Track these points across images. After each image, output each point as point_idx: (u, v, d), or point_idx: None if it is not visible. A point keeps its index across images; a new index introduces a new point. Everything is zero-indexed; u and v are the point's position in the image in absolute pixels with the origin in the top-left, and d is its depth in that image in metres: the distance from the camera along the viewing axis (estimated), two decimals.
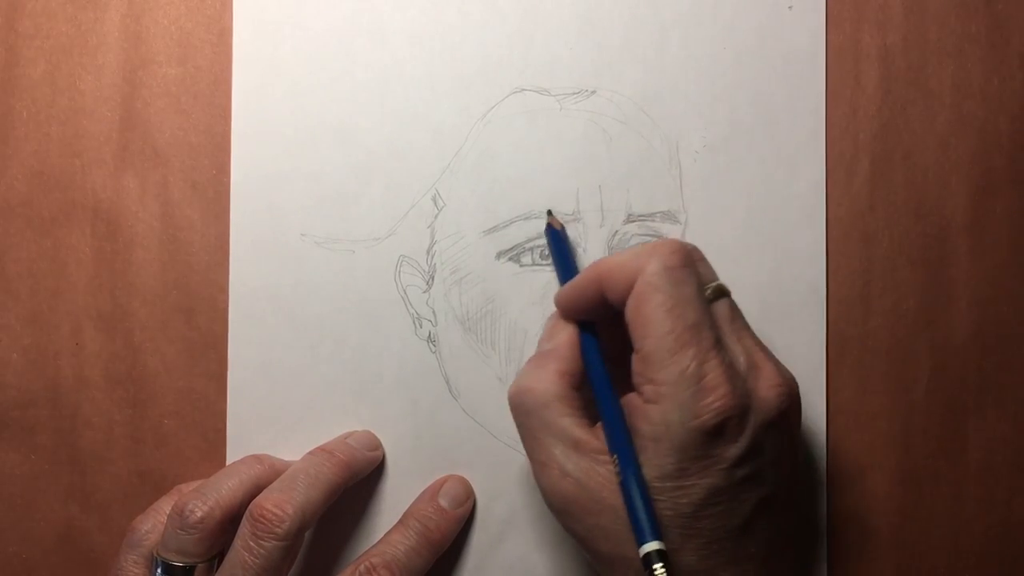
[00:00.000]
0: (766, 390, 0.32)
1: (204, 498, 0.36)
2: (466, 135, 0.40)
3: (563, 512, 0.33)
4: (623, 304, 0.33)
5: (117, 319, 0.41)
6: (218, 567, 0.35)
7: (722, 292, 0.34)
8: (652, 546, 0.30)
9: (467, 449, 0.40)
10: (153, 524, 0.37)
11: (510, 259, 0.40)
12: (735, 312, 0.34)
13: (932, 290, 0.40)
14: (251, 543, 0.34)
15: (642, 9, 0.40)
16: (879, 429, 0.40)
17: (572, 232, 0.40)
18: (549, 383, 0.34)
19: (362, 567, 0.36)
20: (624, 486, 0.31)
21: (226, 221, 0.40)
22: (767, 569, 0.32)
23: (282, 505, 0.35)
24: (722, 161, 0.40)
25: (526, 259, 0.40)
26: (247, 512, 0.35)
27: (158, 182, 0.41)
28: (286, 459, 0.39)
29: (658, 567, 0.30)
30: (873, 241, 0.40)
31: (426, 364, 0.40)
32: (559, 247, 0.38)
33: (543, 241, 0.40)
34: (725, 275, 0.35)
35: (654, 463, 0.31)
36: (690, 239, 0.40)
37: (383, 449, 0.40)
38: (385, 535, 0.38)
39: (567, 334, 0.35)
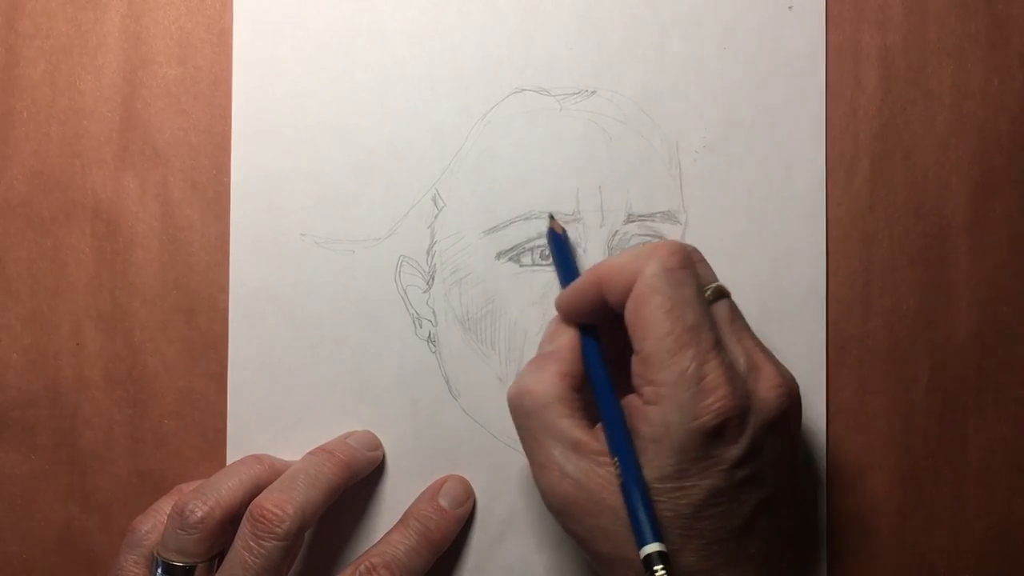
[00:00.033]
0: (766, 391, 0.32)
1: (204, 498, 0.36)
2: (466, 135, 0.40)
3: (563, 513, 0.33)
4: (623, 306, 0.33)
5: (117, 319, 0.41)
6: (218, 567, 0.35)
7: (722, 293, 0.34)
8: (653, 547, 0.30)
9: (467, 449, 0.40)
10: (153, 524, 0.37)
11: (510, 259, 0.40)
12: (735, 313, 0.34)
13: (932, 290, 0.40)
14: (251, 543, 0.34)
15: (642, 9, 0.40)
16: (879, 429, 0.40)
17: (572, 232, 0.40)
18: (549, 384, 0.34)
19: (362, 567, 0.36)
20: (625, 488, 0.31)
21: (226, 221, 0.40)
22: (767, 569, 0.32)
23: (282, 505, 0.35)
24: (722, 161, 0.40)
25: (526, 259, 0.40)
26: (247, 512, 0.35)
27: (158, 182, 0.41)
28: (286, 459, 0.39)
29: (659, 568, 0.30)
30: (873, 241, 0.40)
31: (426, 364, 0.40)
32: (560, 251, 0.38)
33: (543, 241, 0.40)
34: (725, 275, 0.35)
35: (654, 464, 0.31)
36: (690, 239, 0.40)
37: (383, 449, 0.40)
38: (385, 535, 0.38)
39: (568, 337, 0.35)
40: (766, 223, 0.40)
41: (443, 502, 0.39)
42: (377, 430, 0.40)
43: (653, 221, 0.40)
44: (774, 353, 0.34)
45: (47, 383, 0.41)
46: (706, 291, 0.33)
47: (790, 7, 0.40)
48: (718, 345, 0.32)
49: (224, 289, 0.40)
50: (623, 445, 0.32)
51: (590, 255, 0.40)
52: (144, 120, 0.41)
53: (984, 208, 0.40)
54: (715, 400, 0.31)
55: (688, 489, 0.31)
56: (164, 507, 0.37)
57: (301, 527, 0.35)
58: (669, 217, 0.40)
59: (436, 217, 0.40)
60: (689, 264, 0.33)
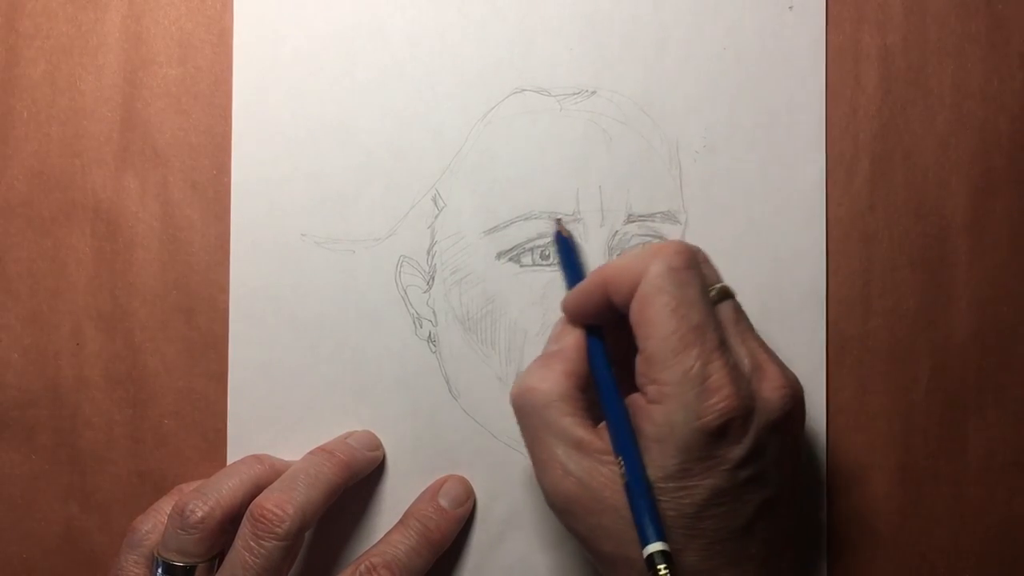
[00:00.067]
0: (770, 391, 0.32)
1: (204, 498, 0.36)
2: (466, 135, 0.40)
3: (565, 512, 0.33)
4: (628, 306, 0.33)
5: (117, 319, 0.41)
6: (218, 567, 0.35)
7: (727, 294, 0.34)
8: (656, 547, 0.30)
9: (467, 449, 0.40)
10: (153, 524, 0.37)
11: (510, 259, 0.40)
12: (740, 314, 0.34)
13: (932, 290, 0.40)
14: (251, 543, 0.34)
15: (642, 9, 0.40)
16: (879, 429, 0.40)
17: (572, 232, 0.40)
18: (553, 383, 0.34)
19: (362, 567, 0.36)
20: (629, 487, 0.31)
21: (226, 221, 0.40)
22: (767, 569, 0.32)
23: (282, 505, 0.35)
24: (722, 161, 0.40)
25: (526, 259, 0.40)
26: (247, 512, 0.35)
27: (158, 182, 0.41)
28: (286, 459, 0.39)
29: (662, 568, 0.30)
30: (873, 241, 0.40)
31: (426, 364, 0.40)
32: (566, 253, 0.38)
33: (543, 241, 0.40)
34: (725, 275, 0.35)
35: (657, 464, 0.31)
36: (690, 239, 0.40)
37: (383, 449, 0.40)
38: (385, 535, 0.38)
39: (573, 337, 0.35)
40: (766, 223, 0.40)
41: (443, 502, 0.39)
42: (377, 430, 0.40)
43: (653, 221, 0.40)
44: (774, 353, 0.34)
45: (47, 383, 0.41)
46: (711, 291, 0.33)
47: (790, 7, 0.40)
48: (722, 345, 0.32)
49: (224, 289, 0.40)
50: (627, 444, 0.32)
51: (590, 255, 0.40)
52: (144, 120, 0.41)
53: (984, 208, 0.40)
54: (719, 400, 0.31)
55: (691, 489, 0.31)
56: (164, 507, 0.37)
57: (301, 527, 0.35)
58: (669, 217, 0.40)
59: (436, 217, 0.40)
60: (694, 264, 0.33)
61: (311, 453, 0.38)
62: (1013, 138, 0.40)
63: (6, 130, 0.41)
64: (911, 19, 0.40)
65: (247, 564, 0.34)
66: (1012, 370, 0.40)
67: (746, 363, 0.32)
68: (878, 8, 0.40)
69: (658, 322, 0.32)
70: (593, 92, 0.40)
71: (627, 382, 0.34)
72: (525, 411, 0.34)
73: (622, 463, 0.32)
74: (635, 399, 0.33)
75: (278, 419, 0.40)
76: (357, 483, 0.39)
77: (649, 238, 0.40)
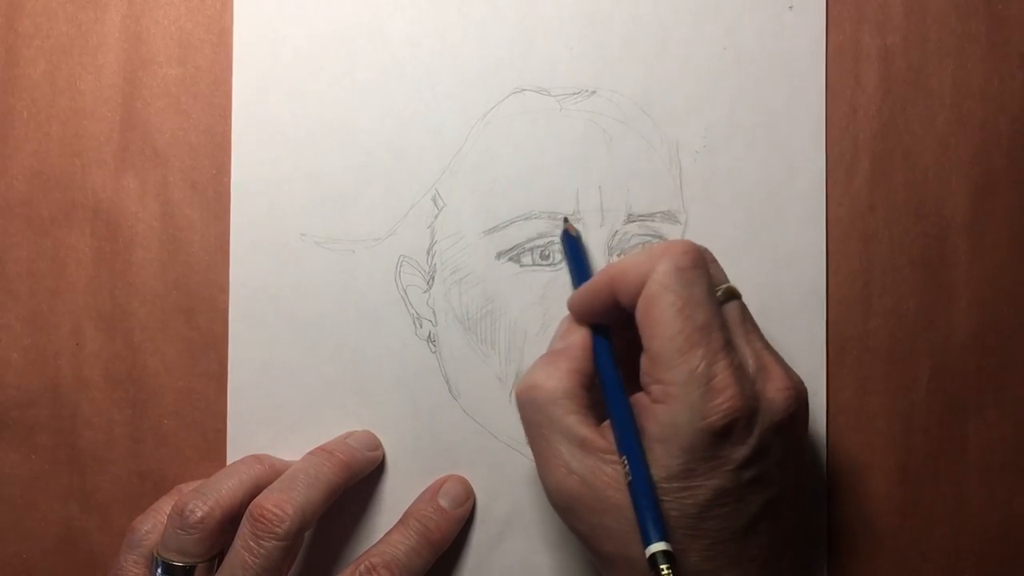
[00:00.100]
0: (774, 392, 0.32)
1: (204, 498, 0.36)
2: (466, 135, 0.40)
3: (567, 510, 0.33)
4: (634, 305, 0.33)
5: (117, 319, 0.41)
6: (218, 567, 0.35)
7: (733, 294, 0.34)
8: (659, 546, 0.30)
9: (467, 449, 0.40)
10: (153, 524, 0.37)
11: (510, 259, 0.40)
12: (745, 314, 0.34)
13: (932, 290, 0.40)
14: (251, 543, 0.34)
15: (642, 9, 0.40)
16: (879, 429, 0.40)
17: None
18: (558, 380, 0.34)
19: (362, 567, 0.36)
20: (632, 486, 0.31)
21: (226, 221, 0.40)
22: (768, 570, 0.32)
23: (282, 505, 0.35)
24: (722, 161, 0.40)
25: (526, 259, 0.40)
26: (247, 512, 0.35)
27: (158, 182, 0.41)
28: (286, 459, 0.39)
29: (664, 568, 0.30)
30: (873, 241, 0.40)
31: (426, 364, 0.40)
32: (574, 252, 0.38)
33: (543, 241, 0.40)
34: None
35: (661, 463, 0.31)
36: (690, 239, 0.40)
37: (383, 449, 0.40)
38: (385, 535, 0.38)
39: (579, 336, 0.35)
40: (766, 223, 0.40)
41: (443, 502, 0.39)
42: (377, 430, 0.40)
43: (653, 221, 0.40)
44: (779, 355, 0.34)
45: (47, 383, 0.41)
46: (717, 291, 0.33)
47: (790, 7, 0.40)
48: (728, 345, 0.32)
49: (224, 289, 0.40)
50: (631, 444, 0.32)
51: (589, 255, 0.40)
52: (144, 120, 0.41)
53: (984, 208, 0.40)
54: (724, 400, 0.31)
55: (695, 489, 0.31)
56: (164, 507, 0.37)
57: (301, 527, 0.35)
58: (669, 217, 0.40)
59: (436, 217, 0.40)
60: (701, 264, 0.33)
61: (311, 453, 0.38)
62: (1013, 138, 0.40)
63: (6, 130, 0.41)
64: (911, 19, 0.40)
65: (247, 564, 0.34)
66: (1012, 370, 0.40)
67: (751, 364, 0.32)
68: (878, 8, 0.40)
69: (664, 321, 0.32)
70: (593, 92, 0.40)
71: (632, 382, 0.34)
72: (529, 408, 0.34)
73: (626, 462, 0.32)
74: (639, 398, 0.33)
75: (278, 419, 0.40)
76: (357, 483, 0.39)
77: (649, 238, 0.40)
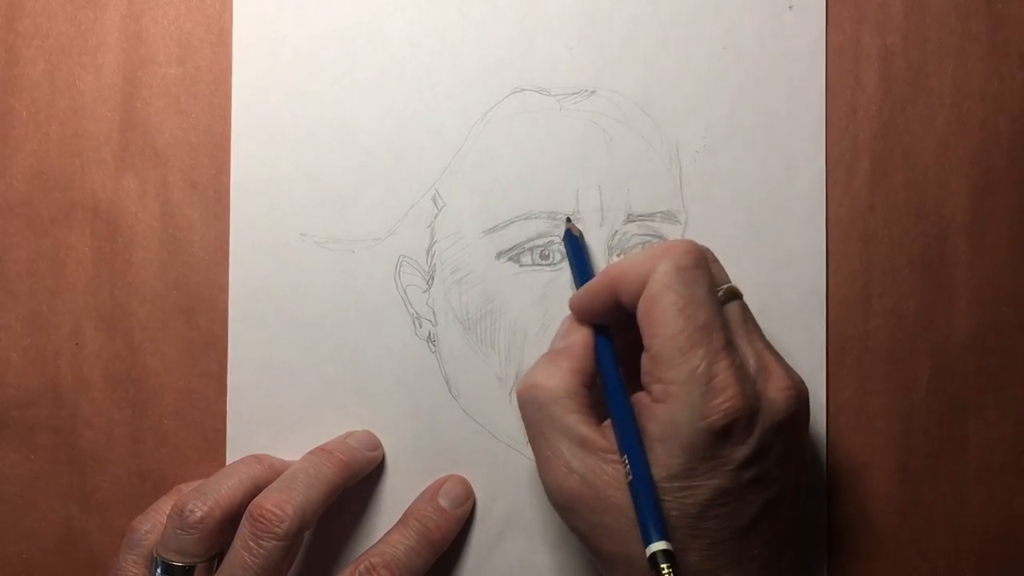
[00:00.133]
0: (775, 392, 0.32)
1: (204, 498, 0.36)
2: (466, 135, 0.40)
3: (567, 509, 0.33)
4: (635, 305, 0.33)
5: (117, 319, 0.41)
6: (218, 567, 0.35)
7: (734, 294, 0.34)
8: (659, 546, 0.30)
9: (467, 449, 0.40)
10: (153, 524, 0.37)
11: (510, 259, 0.40)
12: (747, 314, 0.34)
13: (932, 290, 0.40)
14: (251, 543, 0.34)
15: (642, 9, 0.40)
16: (879, 429, 0.40)
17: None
18: (560, 379, 0.34)
19: (362, 567, 0.36)
20: (633, 486, 0.31)
21: (226, 221, 0.40)
22: (768, 570, 0.32)
23: (282, 505, 0.35)
24: (722, 161, 0.40)
25: (526, 259, 0.40)
26: (247, 512, 0.35)
27: (158, 182, 0.41)
28: (286, 459, 0.39)
29: (665, 567, 0.30)
30: (873, 241, 0.40)
31: (426, 364, 0.40)
32: (576, 252, 0.38)
33: (543, 241, 0.40)
34: None
35: (661, 463, 0.31)
36: (690, 239, 0.40)
37: (383, 449, 0.40)
38: (385, 535, 0.38)
39: (581, 335, 0.35)
40: (766, 223, 0.40)
41: (443, 502, 0.39)
42: (377, 430, 0.40)
43: (653, 221, 0.40)
44: (780, 355, 0.34)
45: (47, 383, 0.41)
46: (719, 291, 0.33)
47: (790, 7, 0.40)
48: (729, 345, 0.32)
49: (224, 289, 0.40)
50: (632, 443, 0.32)
51: (591, 255, 0.40)
52: (144, 120, 0.41)
53: (984, 208, 0.40)
54: (724, 400, 0.31)
55: (695, 489, 0.31)
56: (164, 507, 0.37)
57: (301, 527, 0.35)
58: (669, 217, 0.40)
59: (436, 217, 0.40)
60: (703, 264, 0.33)
61: (311, 453, 0.38)
62: (1013, 138, 0.40)
63: (6, 130, 0.41)
64: (911, 19, 0.40)
65: (246, 564, 0.34)
66: (1012, 370, 0.40)
67: (752, 364, 0.32)
68: (878, 8, 0.40)
69: (665, 321, 0.32)
70: (593, 92, 0.40)
71: (633, 381, 0.34)
72: (530, 407, 0.34)
73: (626, 462, 0.32)
74: (640, 398, 0.33)
75: (278, 419, 0.40)
76: (357, 483, 0.39)
77: (649, 238, 0.40)
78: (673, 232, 0.40)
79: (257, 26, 0.40)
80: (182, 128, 0.41)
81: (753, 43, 0.40)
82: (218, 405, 0.40)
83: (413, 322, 0.40)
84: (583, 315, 0.36)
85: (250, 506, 0.35)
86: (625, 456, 0.32)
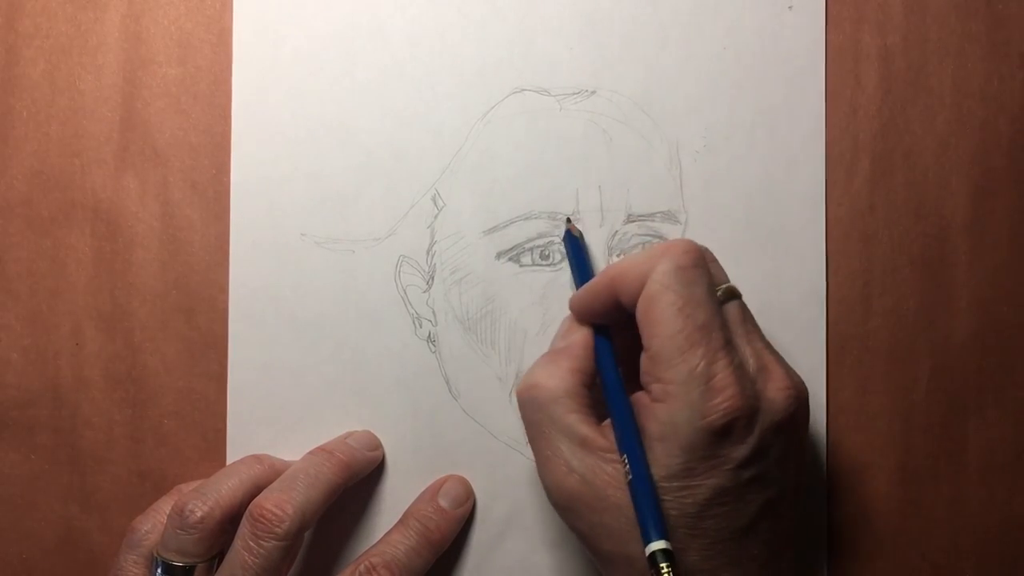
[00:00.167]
0: (775, 392, 0.32)
1: (204, 498, 0.36)
2: (466, 135, 0.40)
3: (566, 509, 0.33)
4: (635, 305, 0.33)
5: (117, 319, 0.41)
6: (218, 567, 0.35)
7: (733, 294, 0.34)
8: (659, 545, 0.30)
9: (467, 449, 0.40)
10: (153, 524, 0.37)
11: (510, 259, 0.40)
12: (746, 314, 0.34)
13: (932, 290, 0.40)
14: (251, 543, 0.34)
15: (642, 9, 0.40)
16: (879, 429, 0.40)
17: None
18: (560, 379, 0.34)
19: (362, 567, 0.36)
20: (632, 485, 0.31)
21: (226, 221, 0.40)
22: (768, 570, 0.32)
23: (282, 505, 0.35)
24: (722, 161, 0.40)
25: (526, 259, 0.40)
26: (247, 512, 0.35)
27: (158, 182, 0.41)
28: (286, 459, 0.39)
29: (664, 566, 0.30)
30: (873, 241, 0.40)
31: (426, 364, 0.40)
32: (576, 252, 0.38)
33: (543, 241, 0.40)
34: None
35: (661, 462, 0.31)
36: (689, 239, 0.40)
37: (383, 449, 0.40)
38: (385, 535, 0.38)
39: (581, 335, 0.35)
40: (766, 223, 0.40)
41: (443, 502, 0.39)
42: (377, 430, 0.40)
43: (653, 221, 0.40)
44: (780, 355, 0.34)
45: (47, 383, 0.41)
46: (718, 291, 0.33)
47: (790, 7, 0.40)
48: (728, 345, 0.32)
49: (224, 289, 0.40)
50: (632, 443, 0.32)
51: (591, 255, 0.40)
52: (144, 120, 0.41)
53: (984, 208, 0.40)
54: (723, 399, 0.31)
55: (694, 488, 0.31)
56: (164, 507, 0.37)
57: (301, 527, 0.35)
58: (669, 217, 0.40)
59: (436, 217, 0.40)
60: (701, 263, 0.33)
61: (311, 453, 0.38)
62: (1013, 138, 0.40)
63: (6, 130, 0.41)
64: (911, 19, 0.40)
65: (246, 564, 0.34)
66: (1012, 370, 0.40)
67: (751, 363, 0.32)
68: (878, 8, 0.40)
69: (664, 320, 0.32)
70: (593, 92, 0.40)
71: (632, 381, 0.34)
72: (530, 407, 0.34)
73: (626, 461, 0.32)
74: (640, 397, 0.33)
75: (278, 419, 0.40)
76: (357, 483, 0.39)
77: (649, 238, 0.40)
78: (673, 232, 0.40)
79: (257, 26, 0.40)
80: (182, 128, 0.41)
81: (753, 43, 0.40)
82: (218, 405, 0.40)
83: (413, 322, 0.40)
84: (583, 315, 0.36)
85: (250, 506, 0.35)
86: (625, 456, 0.32)
